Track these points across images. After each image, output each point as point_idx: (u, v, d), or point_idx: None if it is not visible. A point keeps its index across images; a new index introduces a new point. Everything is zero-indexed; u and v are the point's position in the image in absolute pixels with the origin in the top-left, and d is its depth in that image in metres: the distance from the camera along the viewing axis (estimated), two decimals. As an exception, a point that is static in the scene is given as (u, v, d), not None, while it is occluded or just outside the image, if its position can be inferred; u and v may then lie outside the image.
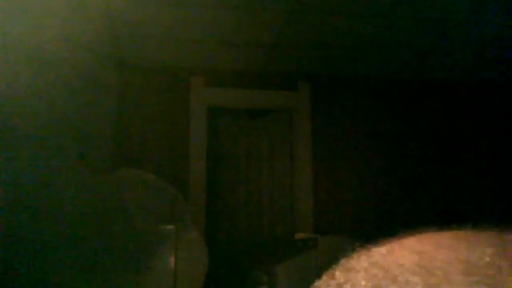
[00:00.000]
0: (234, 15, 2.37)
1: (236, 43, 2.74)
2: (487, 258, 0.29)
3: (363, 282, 0.30)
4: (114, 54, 2.78)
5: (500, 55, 2.92)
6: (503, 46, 2.76)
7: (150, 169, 2.71)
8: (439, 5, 2.24)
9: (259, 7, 2.28)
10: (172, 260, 2.03)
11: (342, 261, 0.35)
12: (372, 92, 3.30)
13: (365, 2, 2.22)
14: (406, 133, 3.28)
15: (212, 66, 3.11)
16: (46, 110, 1.70)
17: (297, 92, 3.22)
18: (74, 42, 1.93)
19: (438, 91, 3.36)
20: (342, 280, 0.32)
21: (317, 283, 0.34)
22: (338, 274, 0.33)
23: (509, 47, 2.77)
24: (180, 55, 2.93)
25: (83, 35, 2.07)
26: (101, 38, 2.37)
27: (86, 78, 2.09)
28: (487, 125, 3.37)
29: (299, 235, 2.77)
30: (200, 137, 3.06)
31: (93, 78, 2.22)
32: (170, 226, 2.07)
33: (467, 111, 3.37)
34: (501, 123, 3.37)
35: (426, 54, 2.90)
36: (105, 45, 2.50)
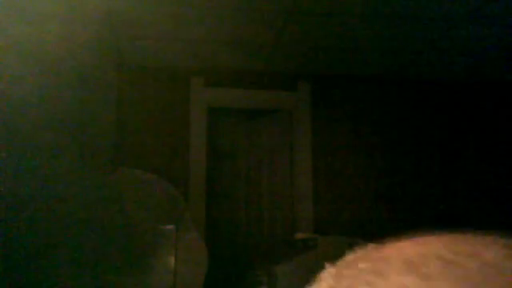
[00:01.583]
0: (234, 15, 2.36)
1: (236, 43, 2.74)
2: (482, 263, 0.28)
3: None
4: (113, 54, 2.78)
5: (500, 55, 2.91)
6: (503, 46, 2.76)
7: (149, 169, 2.71)
8: (439, 4, 2.24)
9: (259, 7, 2.28)
10: (172, 260, 2.02)
11: (332, 267, 0.34)
12: (372, 92, 3.30)
13: (364, 2, 2.22)
14: (406, 133, 3.28)
15: (212, 66, 3.11)
16: (46, 110, 1.70)
17: (297, 92, 3.22)
18: (74, 42, 1.93)
19: (438, 91, 3.36)
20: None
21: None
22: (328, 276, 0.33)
23: (509, 47, 2.77)
24: (180, 55, 2.93)
25: (83, 35, 2.07)
26: (101, 39, 2.36)
27: (85, 78, 2.09)
28: (487, 125, 3.37)
29: (299, 235, 2.77)
30: (200, 137, 3.06)
31: (93, 78, 2.22)
32: (170, 226, 2.06)
33: (467, 111, 3.37)
34: (501, 123, 3.37)
35: (426, 54, 2.90)
36: (105, 45, 2.50)
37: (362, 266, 0.32)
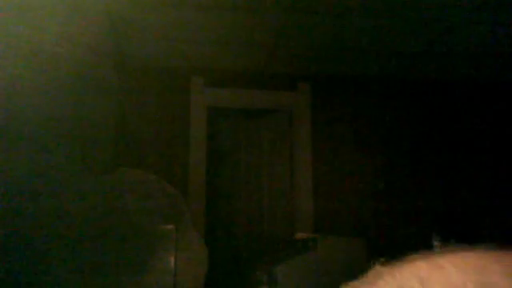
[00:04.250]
0: (233, 15, 2.36)
1: (236, 43, 2.74)
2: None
3: None
4: (113, 54, 2.78)
5: (499, 56, 2.91)
6: (502, 47, 2.76)
7: (150, 169, 2.71)
8: (439, 5, 2.24)
9: (259, 7, 2.28)
10: (172, 260, 2.02)
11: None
12: (372, 92, 3.30)
13: (364, 2, 2.22)
14: (405, 133, 3.28)
15: (212, 66, 3.11)
16: (46, 110, 1.70)
17: (297, 92, 3.22)
18: (74, 42, 1.93)
19: (438, 91, 3.37)
20: None
21: None
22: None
23: (507, 48, 2.77)
24: (180, 55, 2.93)
25: (83, 35, 2.07)
26: (101, 38, 2.37)
27: (85, 79, 2.09)
28: (487, 125, 3.37)
29: (299, 235, 2.77)
30: (200, 137, 3.06)
31: (93, 78, 2.22)
32: (170, 226, 2.06)
33: (467, 111, 3.37)
34: (500, 123, 3.37)
35: (426, 55, 2.90)
36: (105, 45, 2.50)
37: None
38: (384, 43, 2.73)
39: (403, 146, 3.26)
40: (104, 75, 2.53)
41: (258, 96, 3.19)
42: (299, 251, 2.48)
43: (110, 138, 2.75)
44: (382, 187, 3.15)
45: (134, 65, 3.04)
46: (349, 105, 3.26)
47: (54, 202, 1.82)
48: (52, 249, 1.83)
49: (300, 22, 2.44)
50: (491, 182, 3.27)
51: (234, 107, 3.30)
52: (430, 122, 3.32)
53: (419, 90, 3.35)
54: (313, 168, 3.14)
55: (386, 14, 2.35)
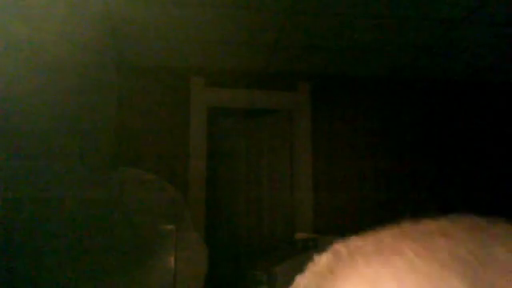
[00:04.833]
0: (234, 15, 2.36)
1: (236, 43, 2.74)
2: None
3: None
4: (113, 54, 2.78)
5: (498, 56, 2.91)
6: (501, 47, 2.76)
7: (150, 168, 2.71)
8: (438, 5, 2.24)
9: (259, 7, 2.28)
10: (172, 260, 2.02)
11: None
12: (372, 92, 3.30)
13: (365, 2, 2.22)
14: (405, 132, 3.28)
15: (212, 66, 3.11)
16: (46, 110, 1.71)
17: (297, 92, 3.22)
18: (74, 43, 1.93)
19: (438, 91, 3.36)
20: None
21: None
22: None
23: (508, 47, 2.77)
24: (180, 55, 2.93)
25: (83, 35, 2.07)
26: (101, 38, 2.37)
27: (85, 79, 2.09)
28: (486, 124, 3.37)
29: (299, 235, 2.77)
30: (200, 137, 3.06)
31: (93, 79, 2.22)
32: (170, 226, 2.06)
33: (467, 111, 3.37)
34: (500, 123, 3.37)
35: (426, 54, 2.90)
36: (105, 45, 2.50)
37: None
38: (384, 43, 2.73)
39: (403, 145, 3.26)
40: (104, 75, 2.53)
41: (258, 96, 3.19)
42: (299, 251, 2.48)
43: (110, 138, 2.75)
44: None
45: (133, 65, 3.04)
46: (349, 105, 3.26)
47: (54, 202, 1.82)
48: (52, 249, 1.83)
49: (300, 21, 2.44)
50: (491, 182, 3.27)
51: (235, 107, 3.30)
52: (430, 122, 3.32)
53: (419, 89, 3.35)
54: (313, 168, 3.14)
55: (386, 14, 2.36)
